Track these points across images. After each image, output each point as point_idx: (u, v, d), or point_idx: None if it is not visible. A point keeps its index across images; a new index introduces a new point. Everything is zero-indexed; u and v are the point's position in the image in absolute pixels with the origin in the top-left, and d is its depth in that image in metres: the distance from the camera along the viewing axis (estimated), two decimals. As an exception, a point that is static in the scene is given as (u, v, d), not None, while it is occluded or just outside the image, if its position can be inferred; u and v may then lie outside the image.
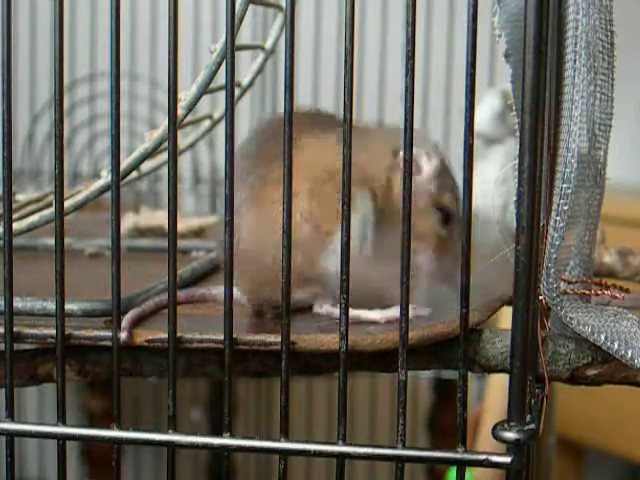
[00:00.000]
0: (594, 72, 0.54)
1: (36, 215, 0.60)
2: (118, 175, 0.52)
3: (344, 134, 0.49)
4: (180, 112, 0.56)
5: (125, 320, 0.56)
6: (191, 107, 0.57)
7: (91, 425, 1.06)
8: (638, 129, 1.75)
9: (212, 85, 0.58)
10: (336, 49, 1.53)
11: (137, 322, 0.58)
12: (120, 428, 0.52)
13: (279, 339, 0.51)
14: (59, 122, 0.52)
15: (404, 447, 0.50)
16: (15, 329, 0.55)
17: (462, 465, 0.50)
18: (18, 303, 0.59)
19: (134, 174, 0.67)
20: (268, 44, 0.75)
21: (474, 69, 0.48)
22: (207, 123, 0.76)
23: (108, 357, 0.55)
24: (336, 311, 0.51)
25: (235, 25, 0.50)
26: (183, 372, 0.59)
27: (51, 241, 0.52)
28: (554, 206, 0.54)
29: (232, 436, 0.51)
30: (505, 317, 0.62)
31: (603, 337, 0.53)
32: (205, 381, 1.72)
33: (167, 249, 0.51)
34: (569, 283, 0.55)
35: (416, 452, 0.50)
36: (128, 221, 0.94)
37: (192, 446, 0.52)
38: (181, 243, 0.58)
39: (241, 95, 0.75)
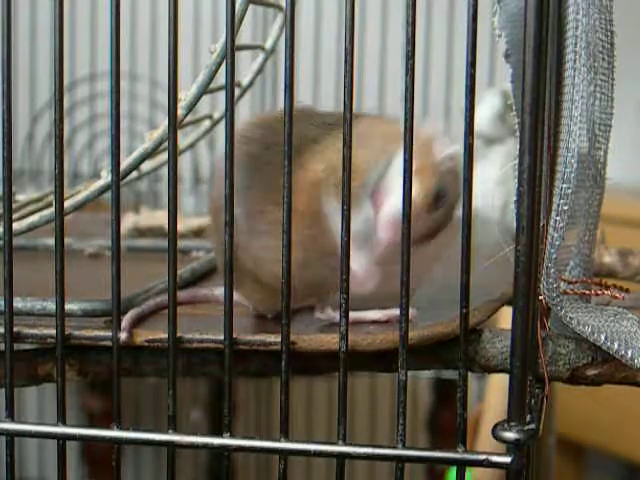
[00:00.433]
0: (594, 72, 0.54)
1: (36, 215, 0.60)
2: (118, 175, 0.52)
3: (344, 134, 0.49)
4: (180, 112, 0.56)
5: (125, 320, 0.56)
6: (191, 107, 0.57)
7: (91, 425, 1.06)
8: (638, 129, 1.75)
9: (212, 85, 0.58)
10: (336, 49, 1.53)
11: (137, 322, 0.58)
12: (120, 428, 0.52)
13: (279, 339, 0.51)
14: (59, 122, 0.52)
15: (404, 447, 0.50)
16: (15, 329, 0.55)
17: (462, 465, 0.50)
18: (18, 303, 0.59)
19: (134, 174, 0.66)
20: (268, 44, 0.75)
21: (474, 69, 0.48)
22: (207, 123, 0.76)
23: (108, 357, 0.55)
24: (337, 316, 0.51)
25: (235, 25, 0.50)
26: (183, 372, 0.59)
27: (51, 241, 0.52)
28: (554, 206, 0.54)
29: (232, 436, 0.51)
30: (505, 317, 0.62)
31: (603, 337, 0.53)
32: (205, 381, 1.72)
33: (167, 249, 0.51)
34: (569, 283, 0.55)
35: (416, 452, 0.50)
36: (128, 221, 0.94)
37: (192, 446, 0.52)
38: (181, 243, 0.58)
39: (241, 95, 0.75)
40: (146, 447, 1.71)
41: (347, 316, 0.50)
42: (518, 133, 0.48)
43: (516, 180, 0.47)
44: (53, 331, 0.53)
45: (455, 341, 0.52)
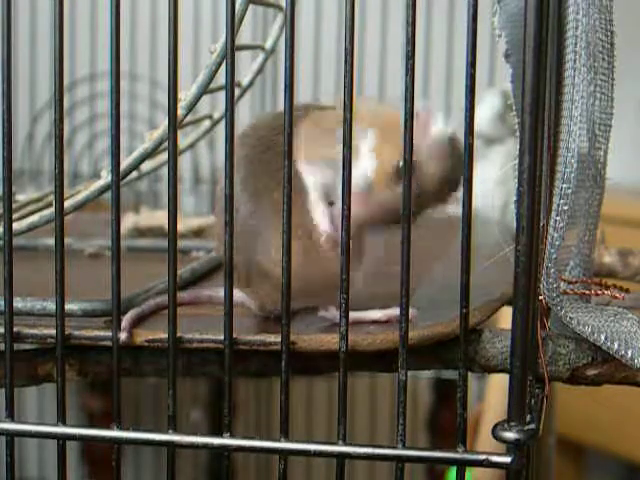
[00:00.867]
0: (594, 72, 0.54)
1: (36, 215, 0.60)
2: (118, 175, 0.52)
3: (344, 134, 0.49)
4: (180, 112, 0.56)
5: (125, 320, 0.56)
6: (191, 107, 0.57)
7: (91, 425, 1.06)
8: (638, 129, 1.75)
9: (212, 85, 0.58)
10: (336, 49, 1.53)
11: (137, 322, 0.58)
12: (120, 428, 0.52)
13: (279, 339, 0.51)
14: (59, 122, 0.52)
15: (404, 447, 0.50)
16: (15, 329, 0.55)
17: (462, 465, 0.50)
18: (18, 303, 0.59)
19: (134, 174, 0.67)
20: (268, 44, 0.75)
21: (474, 69, 0.48)
22: (207, 123, 0.76)
23: (108, 357, 0.55)
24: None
25: (235, 25, 0.50)
26: (183, 372, 0.59)
27: (51, 241, 0.52)
28: (554, 206, 0.54)
29: (232, 436, 0.51)
30: (505, 317, 0.62)
31: (603, 337, 0.53)
32: (205, 381, 1.72)
33: (167, 249, 0.51)
34: (569, 283, 0.55)
35: (416, 452, 0.50)
36: (128, 221, 0.94)
37: (192, 446, 0.52)
38: (181, 243, 0.58)
39: (241, 95, 0.75)
40: (146, 447, 1.71)
41: (347, 316, 0.50)
42: (518, 133, 0.48)
43: (516, 180, 0.47)
44: (53, 331, 0.53)
45: (455, 341, 0.52)
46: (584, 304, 0.56)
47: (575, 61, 0.54)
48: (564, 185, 0.54)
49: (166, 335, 0.52)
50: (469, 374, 0.51)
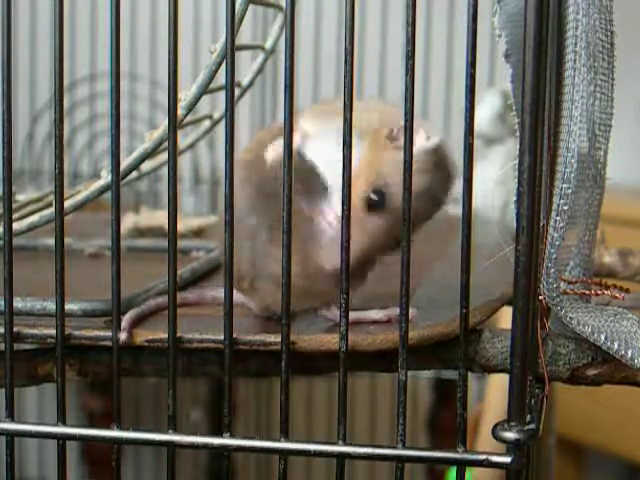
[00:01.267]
0: (594, 72, 0.54)
1: (36, 215, 0.60)
2: (118, 175, 0.52)
3: (344, 134, 0.49)
4: (180, 112, 0.56)
5: (125, 320, 0.56)
6: (191, 107, 0.57)
7: (91, 425, 1.06)
8: (638, 129, 1.75)
9: (212, 85, 0.58)
10: (336, 49, 1.53)
11: (137, 322, 0.58)
12: (120, 428, 0.52)
13: (279, 339, 0.51)
14: (59, 122, 0.52)
15: (404, 447, 0.50)
16: (15, 329, 0.55)
17: (462, 465, 0.50)
18: (18, 303, 0.59)
19: (134, 174, 0.67)
20: (268, 44, 0.75)
21: (474, 69, 0.48)
22: (207, 123, 0.76)
23: (108, 357, 0.55)
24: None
25: (235, 25, 0.50)
26: (183, 372, 0.59)
27: (51, 241, 0.52)
28: (554, 206, 0.54)
29: (232, 436, 0.51)
30: (505, 317, 0.62)
31: (603, 337, 0.53)
32: (205, 381, 1.72)
33: (167, 249, 0.51)
34: (569, 283, 0.55)
35: (416, 452, 0.50)
36: (128, 221, 0.94)
37: (192, 446, 0.52)
38: (181, 243, 0.58)
39: (241, 95, 0.75)
40: (146, 447, 1.71)
41: (347, 316, 0.50)
42: (518, 133, 0.48)
43: (516, 180, 0.47)
44: (53, 331, 0.53)
45: (455, 341, 0.52)
46: (584, 304, 0.56)
47: (575, 61, 0.54)
48: (564, 185, 0.54)
49: (166, 335, 0.52)
50: (469, 374, 0.51)
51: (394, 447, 0.50)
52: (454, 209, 0.55)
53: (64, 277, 0.52)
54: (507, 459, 0.48)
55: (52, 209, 0.54)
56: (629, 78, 1.08)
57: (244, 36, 1.00)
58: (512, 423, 0.48)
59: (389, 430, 1.69)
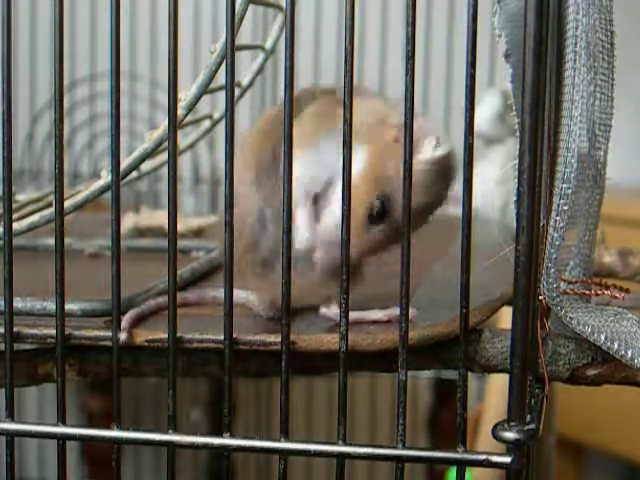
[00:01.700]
0: (594, 72, 0.54)
1: (36, 215, 0.60)
2: (118, 175, 0.52)
3: (344, 134, 0.49)
4: (180, 112, 0.56)
5: (125, 320, 0.56)
6: (191, 107, 0.57)
7: (91, 425, 1.06)
8: (638, 129, 1.75)
9: (212, 85, 0.58)
10: (336, 49, 1.53)
11: (137, 322, 0.58)
12: (120, 428, 0.52)
13: (279, 339, 0.51)
14: (59, 122, 0.52)
15: (404, 447, 0.50)
16: (15, 329, 0.55)
17: (462, 465, 0.50)
18: (18, 303, 0.59)
19: (134, 174, 0.67)
20: (268, 44, 0.75)
21: (474, 69, 0.48)
22: (207, 123, 0.76)
23: (108, 357, 0.55)
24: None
25: (235, 25, 0.50)
26: (183, 372, 0.59)
27: (51, 241, 0.52)
28: (554, 206, 0.54)
29: (232, 436, 0.51)
30: (505, 317, 0.62)
31: (603, 337, 0.53)
32: (205, 381, 1.72)
33: (167, 249, 0.51)
34: (569, 283, 0.55)
35: (416, 452, 0.50)
36: (128, 221, 0.94)
37: (192, 446, 0.52)
38: (181, 243, 0.58)
39: (241, 95, 0.75)
40: (146, 447, 1.71)
41: (347, 316, 0.50)
42: (518, 133, 0.48)
43: (516, 180, 0.47)
44: (53, 331, 0.53)
45: (455, 341, 0.52)
46: (584, 304, 0.56)
47: (575, 61, 0.54)
48: (564, 185, 0.54)
49: (166, 335, 0.52)
50: (469, 374, 0.51)
51: (394, 447, 0.50)
52: (454, 209, 0.55)
53: (64, 277, 0.52)
54: (507, 459, 0.48)
55: (52, 209, 0.54)
56: (629, 78, 1.08)
57: (244, 36, 1.00)
58: (512, 423, 0.48)
59: (389, 430, 1.69)
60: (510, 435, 0.48)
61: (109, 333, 0.53)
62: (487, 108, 1.09)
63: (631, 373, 0.56)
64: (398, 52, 1.53)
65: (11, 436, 0.54)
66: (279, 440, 0.51)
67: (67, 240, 0.61)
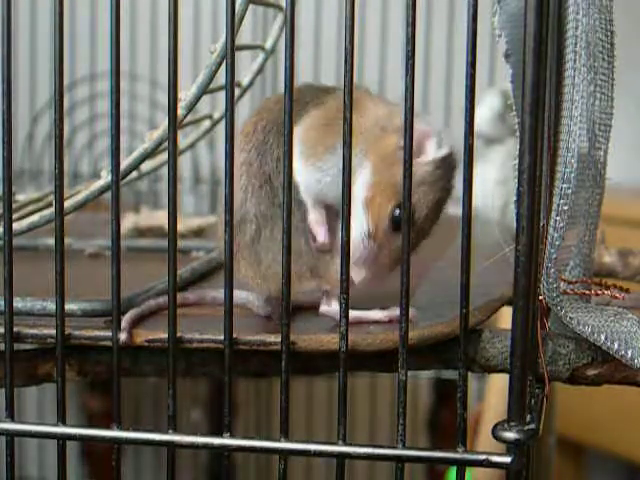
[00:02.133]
0: (594, 72, 0.54)
1: (36, 215, 0.60)
2: (118, 175, 0.52)
3: (344, 134, 0.49)
4: (180, 112, 0.56)
5: (124, 321, 0.56)
6: (191, 107, 0.57)
7: (91, 425, 1.06)
8: (638, 129, 1.75)
9: (212, 85, 0.58)
10: (336, 49, 1.53)
11: (137, 322, 0.58)
12: (120, 428, 0.52)
13: (279, 339, 0.51)
14: (59, 122, 0.52)
15: (404, 447, 0.50)
16: (15, 329, 0.55)
17: (462, 465, 0.50)
18: (18, 303, 0.59)
19: (134, 174, 0.66)
20: (268, 44, 0.75)
21: (474, 69, 0.48)
22: (207, 123, 0.76)
23: (108, 357, 0.55)
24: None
25: (235, 25, 0.50)
26: (183, 372, 0.59)
27: (51, 241, 0.52)
28: (554, 206, 0.54)
29: (232, 436, 0.51)
30: (505, 317, 0.62)
31: (603, 337, 0.53)
32: (205, 381, 1.72)
33: (167, 249, 0.51)
34: (569, 283, 0.55)
35: (416, 452, 0.50)
36: (128, 221, 0.94)
37: (192, 446, 0.52)
38: (181, 243, 0.58)
39: (241, 95, 0.75)
40: (146, 447, 1.71)
41: (347, 316, 0.50)
42: (518, 133, 0.48)
43: (516, 180, 0.47)
44: (53, 331, 0.53)
45: (455, 341, 0.52)
46: (584, 304, 0.56)
47: (575, 61, 0.54)
48: (564, 185, 0.54)
49: (166, 335, 0.52)
50: (469, 374, 0.51)
51: (394, 447, 0.50)
52: (454, 209, 0.55)
53: (64, 277, 0.52)
54: (507, 459, 0.48)
55: (52, 209, 0.54)
56: (629, 78, 1.08)
57: (244, 36, 1.00)
58: (512, 423, 0.48)
59: (389, 430, 1.69)
60: (510, 435, 0.48)
61: (109, 333, 0.53)
62: (487, 108, 1.09)
63: (631, 373, 0.56)
64: (398, 52, 1.53)
65: (11, 436, 0.54)
66: (279, 440, 0.51)
67: (67, 240, 0.62)
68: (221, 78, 0.53)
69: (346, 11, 0.48)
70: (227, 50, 0.50)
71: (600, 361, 0.56)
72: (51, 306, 0.58)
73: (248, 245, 0.59)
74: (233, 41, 0.50)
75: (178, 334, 0.53)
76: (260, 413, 1.83)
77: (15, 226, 0.59)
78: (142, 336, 0.56)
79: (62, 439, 0.53)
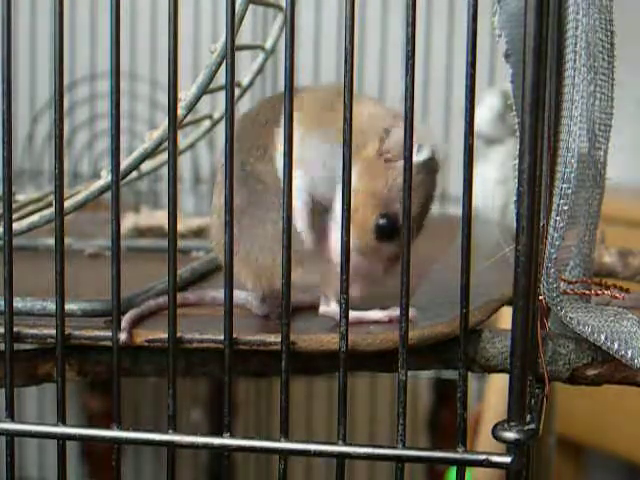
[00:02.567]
0: (594, 72, 0.54)
1: (36, 215, 0.60)
2: (118, 175, 0.52)
3: (344, 134, 0.49)
4: (180, 112, 0.56)
5: (124, 320, 0.56)
6: (191, 107, 0.57)
7: (91, 425, 1.06)
8: (638, 129, 1.75)
9: (212, 85, 0.58)
10: (336, 49, 1.53)
11: (137, 322, 0.58)
12: (120, 428, 0.52)
13: (279, 339, 0.51)
14: (59, 122, 0.52)
15: (404, 447, 0.50)
16: (15, 329, 0.55)
17: (462, 465, 0.50)
18: (18, 303, 0.59)
19: (134, 174, 0.66)
20: (268, 44, 0.75)
21: (474, 69, 0.48)
22: (207, 123, 0.76)
23: (108, 357, 0.55)
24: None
25: (235, 25, 0.50)
26: (183, 372, 0.59)
27: (51, 241, 0.52)
28: (554, 206, 0.54)
29: (232, 436, 0.51)
30: (505, 317, 0.62)
31: (603, 337, 0.53)
32: (205, 381, 1.72)
33: (167, 249, 0.51)
34: (569, 283, 0.55)
35: (416, 452, 0.50)
36: (128, 221, 0.94)
37: (192, 446, 0.52)
38: (181, 243, 0.58)
39: (241, 95, 0.75)
40: (146, 447, 1.71)
41: (347, 316, 0.50)
42: (518, 133, 0.48)
43: (516, 180, 0.47)
44: (53, 331, 0.53)
45: (455, 341, 0.52)
46: (584, 304, 0.56)
47: (575, 61, 0.54)
48: (564, 185, 0.54)
49: (166, 335, 0.52)
50: (469, 374, 0.51)
51: (394, 447, 0.50)
52: (454, 209, 0.55)
53: (64, 277, 0.52)
54: (507, 459, 0.48)
55: (52, 209, 0.54)
56: (629, 78, 1.08)
57: (244, 36, 1.00)
58: (512, 423, 0.48)
59: (389, 430, 1.69)
60: (510, 435, 0.48)
61: (109, 333, 0.53)
62: (487, 108, 1.09)
63: (631, 373, 0.56)
64: (398, 52, 1.53)
65: (11, 436, 0.54)
66: (279, 440, 0.51)
67: (67, 240, 0.62)
68: (221, 78, 0.53)
69: (346, 11, 0.48)
70: (227, 50, 0.50)
71: (600, 361, 0.56)
72: (51, 306, 0.58)
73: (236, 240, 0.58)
74: (233, 41, 0.50)
75: (178, 334, 0.53)
76: (260, 413, 1.83)
77: (15, 226, 0.59)
78: (142, 336, 0.56)
79: (62, 439, 0.53)
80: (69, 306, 0.58)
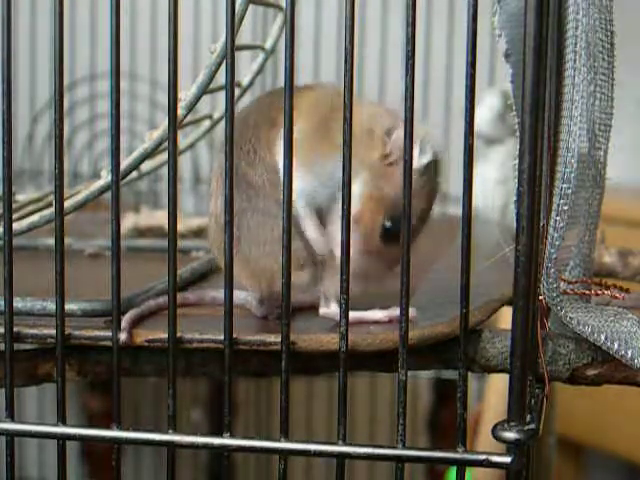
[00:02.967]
0: (594, 72, 0.54)
1: (36, 215, 0.60)
2: (118, 175, 0.52)
3: (344, 134, 0.49)
4: (180, 112, 0.56)
5: (124, 320, 0.56)
6: (191, 107, 0.57)
7: (91, 425, 1.06)
8: (638, 129, 1.75)
9: (212, 85, 0.58)
10: (336, 49, 1.53)
11: (137, 322, 0.58)
12: (120, 428, 0.52)
13: (279, 339, 0.51)
14: (59, 122, 0.52)
15: (404, 447, 0.50)
16: (15, 329, 0.55)
17: (462, 465, 0.50)
18: (18, 303, 0.59)
19: (134, 174, 0.66)
20: (268, 44, 0.75)
21: (474, 69, 0.48)
22: (207, 123, 0.76)
23: (108, 357, 0.55)
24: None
25: (235, 25, 0.50)
26: (183, 372, 0.59)
27: (51, 241, 0.52)
28: (554, 206, 0.54)
29: (232, 436, 0.51)
30: (505, 317, 0.62)
31: (603, 337, 0.53)
32: (205, 381, 1.72)
33: (167, 249, 0.51)
34: (569, 283, 0.55)
35: (416, 452, 0.50)
36: (128, 221, 0.94)
37: (192, 446, 0.52)
38: (181, 243, 0.58)
39: (241, 95, 0.75)
40: (146, 447, 1.71)
41: (347, 316, 0.50)
42: (518, 133, 0.48)
43: (516, 180, 0.47)
44: (53, 331, 0.53)
45: (455, 341, 0.52)
46: (584, 304, 0.56)
47: (575, 61, 0.54)
48: (564, 185, 0.54)
49: (166, 335, 0.52)
50: (469, 374, 0.51)
51: (394, 447, 0.50)
52: (454, 209, 0.55)
53: (64, 277, 0.52)
54: (507, 459, 0.48)
55: (52, 209, 0.54)
56: (629, 78, 1.08)
57: (244, 36, 1.00)
58: (512, 423, 0.48)
59: (389, 430, 1.69)
60: (510, 435, 0.48)
61: (109, 333, 0.53)
62: (487, 108, 1.09)
63: (631, 373, 0.56)
64: (398, 52, 1.53)
65: (11, 436, 0.54)
66: (279, 440, 0.51)
67: (67, 240, 0.61)
68: (221, 78, 0.53)
69: (346, 11, 0.48)
70: (227, 50, 0.50)
71: (600, 361, 0.56)
72: (51, 306, 0.58)
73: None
74: (233, 41, 0.50)
75: (178, 334, 0.53)
76: (260, 413, 1.83)
77: (15, 226, 0.59)
78: (142, 336, 0.56)
79: (62, 439, 0.53)
80: (69, 306, 0.58)
